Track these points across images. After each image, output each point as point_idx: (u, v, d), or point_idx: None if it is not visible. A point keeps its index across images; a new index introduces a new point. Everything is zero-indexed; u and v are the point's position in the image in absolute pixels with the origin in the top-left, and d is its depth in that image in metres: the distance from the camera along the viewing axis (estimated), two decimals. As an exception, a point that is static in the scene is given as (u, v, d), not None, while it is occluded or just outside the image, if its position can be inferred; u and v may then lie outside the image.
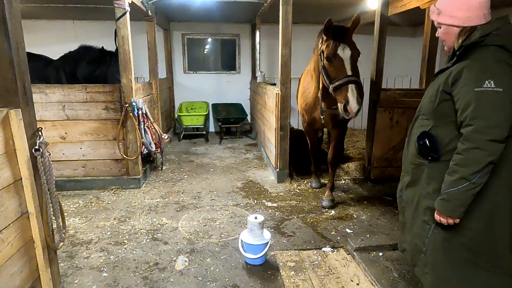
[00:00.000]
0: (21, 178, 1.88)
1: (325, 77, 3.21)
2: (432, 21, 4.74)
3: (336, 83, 3.03)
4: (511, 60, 1.48)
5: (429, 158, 1.71)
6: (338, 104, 3.12)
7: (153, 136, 4.62)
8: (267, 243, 2.78)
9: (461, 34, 1.64)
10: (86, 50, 4.86)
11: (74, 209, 3.83)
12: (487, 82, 1.45)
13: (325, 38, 3.15)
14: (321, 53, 3.21)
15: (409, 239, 1.94)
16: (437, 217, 1.67)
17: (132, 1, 4.32)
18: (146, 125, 4.40)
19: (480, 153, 1.47)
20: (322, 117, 3.60)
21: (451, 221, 1.62)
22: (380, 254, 2.83)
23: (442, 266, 1.71)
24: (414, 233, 1.89)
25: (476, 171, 1.49)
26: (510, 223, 1.59)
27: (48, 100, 4.14)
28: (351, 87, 2.96)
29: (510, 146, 1.52)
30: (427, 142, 1.70)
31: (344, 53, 3.03)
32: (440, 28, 1.73)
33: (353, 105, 2.95)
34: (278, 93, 4.41)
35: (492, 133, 1.44)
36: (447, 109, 1.63)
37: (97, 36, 7.21)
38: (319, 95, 3.61)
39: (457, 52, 1.61)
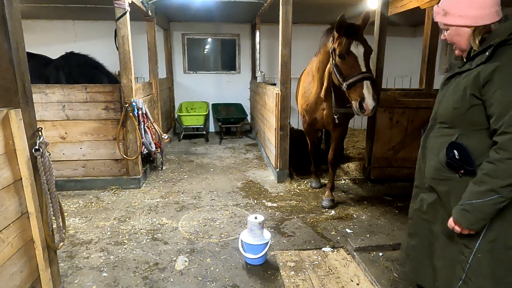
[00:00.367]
0: (21, 178, 1.88)
1: (337, 75, 3.13)
2: (433, 21, 4.66)
3: (351, 80, 2.96)
4: None
5: (462, 171, 1.52)
6: (353, 102, 3.03)
7: (153, 136, 4.62)
8: (267, 243, 2.77)
9: (475, 34, 1.50)
10: (93, 64, 4.82)
11: (74, 209, 3.83)
12: None
13: (336, 35, 3.10)
14: (333, 51, 3.14)
15: (440, 265, 1.71)
16: (451, 224, 1.55)
17: (132, 1, 4.32)
18: (146, 125, 4.40)
19: None
20: (336, 116, 3.50)
21: (466, 232, 1.51)
22: (380, 254, 2.83)
23: None
24: (449, 258, 1.66)
25: (508, 184, 1.35)
26: None
27: (48, 100, 4.14)
28: (367, 84, 2.90)
29: None
30: (456, 153, 1.53)
31: (358, 49, 2.98)
32: (448, 30, 1.59)
33: (369, 101, 2.87)
34: (278, 93, 4.41)
35: None
36: (477, 115, 1.48)
37: (97, 36, 7.24)
38: (322, 95, 3.61)
39: (487, 53, 1.45)
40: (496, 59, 1.41)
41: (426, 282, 1.81)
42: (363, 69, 2.96)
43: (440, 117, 1.66)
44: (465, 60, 1.61)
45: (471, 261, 1.54)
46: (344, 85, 3.04)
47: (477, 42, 1.51)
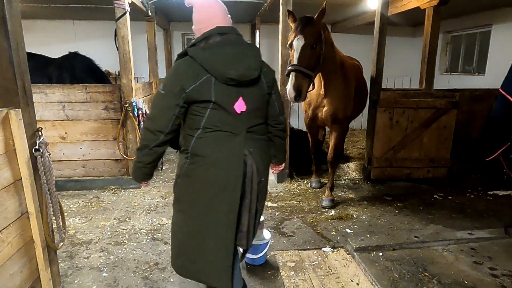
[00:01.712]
0: (21, 178, 1.88)
1: None
2: (433, 21, 4.68)
3: (286, 71, 3.26)
4: (199, 68, 1.70)
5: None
6: None
7: (153, 136, 4.61)
8: (267, 243, 2.77)
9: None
10: (94, 71, 4.86)
11: (74, 209, 3.83)
12: (161, 85, 1.77)
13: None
14: None
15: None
16: None
17: (132, 1, 4.32)
18: (146, 125, 4.39)
19: (141, 136, 1.85)
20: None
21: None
22: (380, 254, 2.83)
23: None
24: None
25: (138, 149, 1.84)
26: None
27: (48, 100, 4.14)
28: (292, 75, 3.15)
29: (198, 144, 1.77)
30: None
31: (297, 43, 3.19)
32: None
33: (289, 90, 3.13)
34: (278, 93, 4.40)
35: (147, 123, 1.80)
36: None
37: (97, 36, 7.24)
38: (322, 92, 3.66)
39: None
40: None
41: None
42: (295, 62, 3.21)
43: None
44: None
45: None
46: (285, 74, 3.34)
47: None
